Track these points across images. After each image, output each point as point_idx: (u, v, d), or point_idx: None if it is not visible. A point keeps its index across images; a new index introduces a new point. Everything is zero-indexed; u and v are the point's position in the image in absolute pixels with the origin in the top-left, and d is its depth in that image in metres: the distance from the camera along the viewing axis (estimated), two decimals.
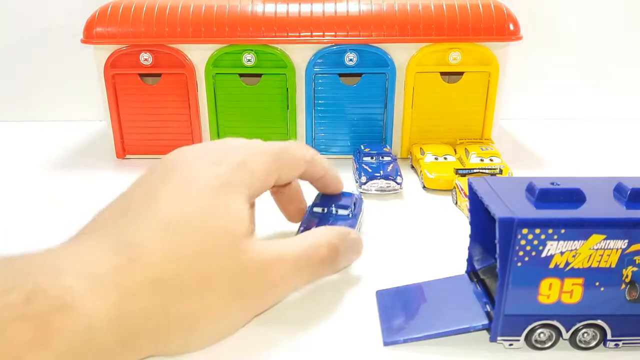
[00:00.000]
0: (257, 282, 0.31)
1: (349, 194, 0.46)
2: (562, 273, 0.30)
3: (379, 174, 0.55)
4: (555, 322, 0.31)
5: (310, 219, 0.43)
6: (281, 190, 0.43)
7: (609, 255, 0.30)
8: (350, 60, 0.61)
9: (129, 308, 0.26)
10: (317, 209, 0.44)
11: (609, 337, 0.32)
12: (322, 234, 0.35)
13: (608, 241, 0.29)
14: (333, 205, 0.44)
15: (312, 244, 0.34)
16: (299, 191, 0.44)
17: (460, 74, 0.62)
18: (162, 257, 0.28)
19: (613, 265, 0.30)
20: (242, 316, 0.32)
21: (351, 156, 0.63)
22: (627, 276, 0.30)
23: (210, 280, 0.29)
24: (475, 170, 0.55)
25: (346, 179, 0.59)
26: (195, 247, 0.29)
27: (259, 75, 0.62)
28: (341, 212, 0.44)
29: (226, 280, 0.29)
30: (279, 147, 0.36)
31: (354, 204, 0.46)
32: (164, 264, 0.28)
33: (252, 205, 0.35)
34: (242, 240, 0.30)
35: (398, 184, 0.55)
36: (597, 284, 0.30)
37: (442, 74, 0.63)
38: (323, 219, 0.43)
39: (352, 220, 0.44)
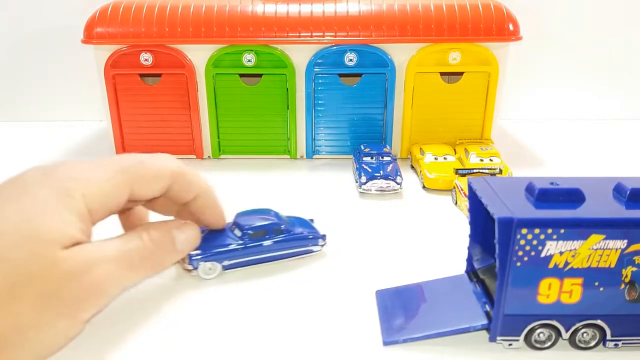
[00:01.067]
0: (74, 286, 0.29)
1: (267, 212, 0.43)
2: (561, 273, 0.30)
3: (379, 174, 0.55)
4: (554, 322, 0.31)
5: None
6: (132, 211, 0.39)
7: (608, 255, 0.30)
8: (350, 60, 0.61)
9: None
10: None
11: (608, 337, 0.32)
12: (141, 228, 0.34)
13: (607, 241, 0.29)
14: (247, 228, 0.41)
15: (130, 239, 0.33)
16: (146, 216, 0.40)
17: (460, 74, 0.63)
18: None
19: (612, 265, 0.30)
20: (65, 324, 0.29)
21: (351, 156, 0.63)
22: (626, 276, 0.30)
23: (17, 288, 0.27)
24: (475, 170, 0.55)
25: (346, 179, 0.60)
26: (6, 254, 0.27)
27: (259, 75, 0.62)
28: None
29: (36, 287, 0.27)
30: (131, 158, 0.34)
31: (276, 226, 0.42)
32: None
33: (95, 219, 0.32)
34: (56, 245, 0.28)
35: (398, 184, 0.55)
36: (596, 284, 0.30)
37: (442, 74, 0.63)
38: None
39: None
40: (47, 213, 0.29)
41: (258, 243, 0.41)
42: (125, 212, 0.39)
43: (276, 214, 0.43)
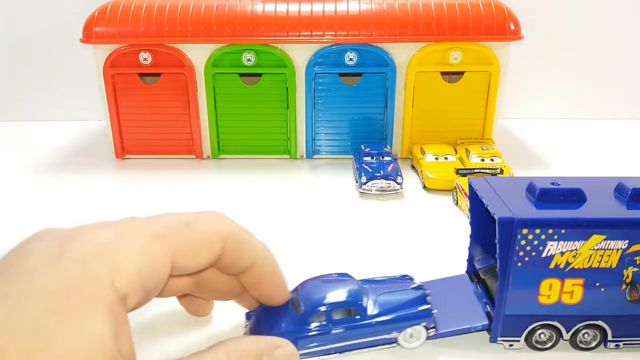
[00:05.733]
0: None
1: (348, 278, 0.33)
2: (562, 273, 0.30)
3: (379, 174, 0.55)
4: (555, 323, 0.31)
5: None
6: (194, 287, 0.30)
7: (609, 256, 0.29)
8: (350, 60, 0.61)
9: None
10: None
11: (609, 337, 0.31)
12: (221, 353, 0.24)
13: (608, 241, 0.29)
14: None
15: None
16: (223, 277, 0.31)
17: (461, 73, 0.62)
18: None
19: (613, 266, 0.30)
20: None
21: (351, 156, 0.63)
22: (627, 277, 0.30)
23: None
24: (475, 170, 0.54)
25: (346, 179, 0.59)
26: None
27: (259, 75, 0.62)
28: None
29: None
30: (169, 219, 0.25)
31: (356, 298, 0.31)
32: None
33: (130, 309, 0.23)
34: None
35: (398, 184, 0.55)
36: (597, 284, 0.30)
37: (443, 73, 0.62)
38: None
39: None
40: (69, 327, 0.20)
41: (339, 328, 0.30)
42: (184, 296, 0.31)
43: (357, 283, 0.32)
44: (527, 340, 0.32)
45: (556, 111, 0.83)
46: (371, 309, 0.31)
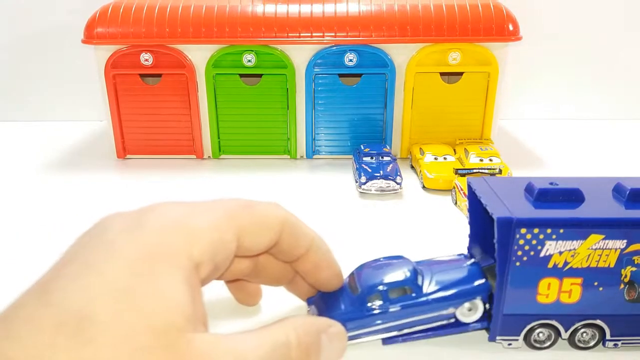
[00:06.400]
0: None
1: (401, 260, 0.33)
2: (560, 273, 0.30)
3: (378, 174, 0.55)
4: (554, 322, 0.31)
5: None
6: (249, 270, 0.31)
7: (607, 255, 0.30)
8: (350, 60, 0.61)
9: None
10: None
11: (607, 337, 0.32)
12: (290, 328, 0.25)
13: (607, 241, 0.29)
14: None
15: (277, 343, 0.24)
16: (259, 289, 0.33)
17: (460, 74, 0.63)
18: None
19: (612, 265, 0.30)
20: None
21: (351, 156, 0.63)
22: (626, 276, 0.30)
23: None
24: (474, 170, 0.55)
25: (346, 179, 0.60)
26: (101, 357, 0.19)
27: (259, 75, 0.62)
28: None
29: None
30: (235, 202, 0.27)
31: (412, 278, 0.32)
32: None
33: (201, 281, 0.24)
34: (181, 337, 0.21)
35: (398, 184, 0.55)
36: (595, 283, 0.30)
37: (442, 74, 0.63)
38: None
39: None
40: (157, 285, 0.22)
41: (397, 306, 0.31)
42: (235, 282, 0.32)
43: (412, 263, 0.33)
44: (526, 339, 0.32)
45: (555, 111, 0.83)
46: (427, 287, 0.32)
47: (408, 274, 0.32)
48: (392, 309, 0.31)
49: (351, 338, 0.31)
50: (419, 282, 0.32)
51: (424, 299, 0.31)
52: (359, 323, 0.31)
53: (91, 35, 0.60)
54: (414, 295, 0.31)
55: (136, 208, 0.26)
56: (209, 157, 0.66)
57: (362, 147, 0.60)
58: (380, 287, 0.31)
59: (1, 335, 0.20)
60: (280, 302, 0.35)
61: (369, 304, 0.31)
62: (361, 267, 0.33)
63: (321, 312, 0.31)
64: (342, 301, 0.31)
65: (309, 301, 0.33)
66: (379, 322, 0.31)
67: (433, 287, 0.32)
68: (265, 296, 0.34)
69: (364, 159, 0.58)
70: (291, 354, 0.24)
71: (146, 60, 0.61)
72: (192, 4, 0.61)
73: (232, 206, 0.26)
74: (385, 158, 0.58)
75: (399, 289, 0.31)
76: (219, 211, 0.25)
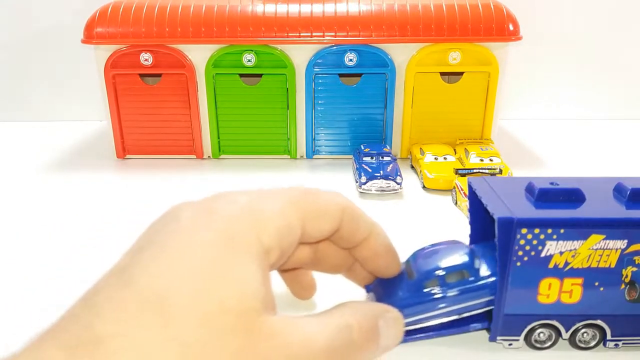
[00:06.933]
0: None
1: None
2: (561, 273, 0.30)
3: (379, 174, 0.55)
4: (554, 322, 0.31)
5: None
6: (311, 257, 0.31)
7: (608, 255, 0.30)
8: (350, 60, 0.61)
9: None
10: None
11: (608, 337, 0.32)
12: (349, 313, 0.26)
13: (607, 241, 0.29)
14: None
15: (340, 326, 0.25)
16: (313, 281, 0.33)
17: (460, 74, 0.63)
18: (133, 357, 0.20)
19: (612, 265, 0.30)
20: None
21: (351, 156, 0.63)
22: (626, 276, 0.30)
23: None
24: (475, 170, 0.55)
25: (346, 179, 0.60)
26: (184, 337, 0.20)
27: (259, 75, 0.62)
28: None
29: None
30: (297, 190, 0.28)
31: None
32: None
33: (269, 267, 0.25)
34: (256, 319, 0.22)
35: (398, 184, 0.55)
36: (596, 284, 0.30)
37: (442, 74, 0.63)
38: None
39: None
40: (233, 269, 0.22)
41: (454, 291, 0.31)
42: (289, 272, 0.32)
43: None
44: (527, 339, 0.32)
45: (555, 111, 0.83)
46: (484, 271, 0.31)
47: (465, 258, 0.31)
48: (450, 293, 0.31)
49: (409, 324, 0.31)
50: (476, 265, 0.31)
51: (482, 282, 0.31)
52: (417, 309, 0.31)
53: (91, 35, 0.60)
54: (471, 279, 0.31)
55: (202, 198, 0.26)
56: (209, 157, 0.66)
57: (362, 147, 0.60)
58: (438, 272, 0.31)
59: (87, 313, 0.20)
60: (334, 294, 0.34)
61: (427, 289, 0.31)
62: (417, 253, 0.33)
63: (379, 299, 0.31)
64: (400, 287, 0.31)
65: (367, 288, 0.33)
66: (437, 307, 0.31)
67: (490, 271, 0.31)
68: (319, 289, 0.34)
69: (364, 159, 0.58)
70: (353, 337, 0.25)
71: (146, 60, 0.61)
72: (192, 4, 0.61)
73: (296, 193, 0.27)
74: (386, 158, 0.58)
75: (456, 273, 0.31)
76: (284, 198, 0.26)
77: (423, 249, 0.33)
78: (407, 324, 0.31)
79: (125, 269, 0.22)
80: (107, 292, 0.21)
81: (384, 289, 0.32)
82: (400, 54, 0.61)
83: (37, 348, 0.20)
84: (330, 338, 0.24)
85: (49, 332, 0.21)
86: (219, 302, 0.21)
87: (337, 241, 0.29)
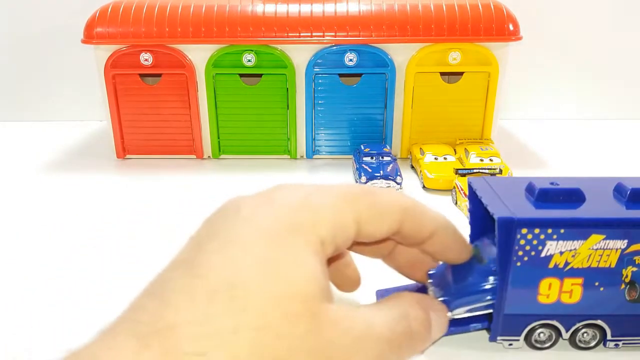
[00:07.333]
0: None
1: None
2: (561, 273, 0.30)
3: (379, 174, 0.55)
4: (554, 322, 0.31)
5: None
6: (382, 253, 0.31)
7: (608, 255, 0.30)
8: (350, 60, 0.61)
9: None
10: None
11: (608, 337, 0.32)
12: (406, 304, 0.27)
13: (607, 241, 0.29)
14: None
15: (399, 315, 0.26)
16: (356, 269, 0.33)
17: (460, 74, 0.63)
18: (207, 343, 0.20)
19: (613, 265, 0.30)
20: None
21: (351, 156, 0.63)
22: (626, 276, 0.30)
23: None
24: (475, 170, 0.55)
25: (346, 179, 0.60)
26: (255, 322, 0.21)
27: (259, 75, 0.62)
28: None
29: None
30: (356, 187, 0.27)
31: None
32: (206, 355, 0.20)
33: (325, 259, 0.25)
34: (320, 305, 0.22)
35: (398, 184, 0.55)
36: (596, 284, 0.30)
37: (442, 74, 0.63)
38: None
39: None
40: (296, 257, 0.23)
41: None
42: (333, 264, 0.32)
43: None
44: (527, 339, 0.32)
45: (555, 111, 0.83)
46: None
47: None
48: None
49: (475, 310, 0.31)
50: None
51: None
52: (488, 294, 0.31)
53: (91, 35, 0.60)
54: None
55: (260, 191, 0.27)
56: (209, 157, 0.66)
57: (362, 147, 0.60)
58: None
59: (156, 304, 0.21)
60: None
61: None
62: (484, 238, 0.33)
63: (445, 285, 0.31)
64: (471, 273, 0.31)
65: (430, 275, 0.32)
66: None
67: None
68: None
69: (364, 159, 0.58)
70: (411, 325, 0.26)
71: (146, 60, 0.61)
72: (192, 4, 0.61)
73: (353, 191, 0.27)
74: (386, 158, 0.58)
75: None
76: (339, 195, 0.26)
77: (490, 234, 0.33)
78: (472, 310, 0.31)
79: (190, 261, 0.23)
80: (175, 283, 0.22)
81: (453, 274, 0.31)
82: (400, 54, 0.61)
83: (111, 337, 0.20)
84: (391, 326, 0.25)
85: (118, 323, 0.21)
86: (285, 288, 0.22)
87: (401, 240, 0.29)
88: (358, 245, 0.30)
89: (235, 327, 0.20)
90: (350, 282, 0.33)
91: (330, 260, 0.31)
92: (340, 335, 0.22)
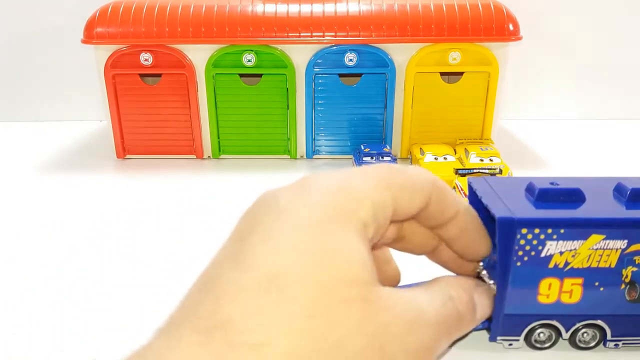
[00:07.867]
0: (405, 348, 0.22)
1: None
2: (561, 273, 0.30)
3: None
4: (554, 322, 0.31)
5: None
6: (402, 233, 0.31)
7: (608, 255, 0.30)
8: (350, 60, 0.61)
9: None
10: None
11: (608, 337, 0.32)
12: (450, 286, 0.27)
13: (607, 241, 0.29)
14: None
15: (445, 297, 0.26)
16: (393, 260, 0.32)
17: (460, 74, 0.63)
18: (267, 332, 0.20)
19: (613, 265, 0.30)
20: None
21: (351, 156, 0.63)
22: (626, 276, 0.30)
23: (347, 353, 0.21)
24: (475, 170, 0.55)
25: None
26: (308, 310, 0.20)
27: (259, 75, 0.62)
28: None
29: (371, 349, 0.21)
30: (387, 167, 0.27)
31: None
32: (270, 344, 0.20)
33: (369, 241, 0.25)
34: (371, 288, 0.22)
35: None
36: (596, 284, 0.30)
37: (442, 74, 0.63)
38: None
39: None
40: (342, 243, 0.23)
41: None
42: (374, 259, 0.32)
43: None
44: (527, 339, 0.32)
45: (555, 111, 0.83)
46: None
47: None
48: None
49: None
50: None
51: None
52: None
53: (91, 35, 0.60)
54: None
55: (291, 183, 0.26)
56: (209, 157, 0.66)
57: (362, 147, 0.60)
58: None
59: (210, 299, 0.21)
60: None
61: None
62: None
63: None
64: None
65: (484, 262, 0.32)
66: None
67: None
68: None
69: (364, 159, 0.58)
70: (458, 308, 0.26)
71: (146, 60, 0.61)
72: (192, 4, 0.61)
73: (385, 170, 0.27)
74: (386, 158, 0.58)
75: None
76: (374, 176, 0.26)
77: None
78: None
79: (237, 255, 0.23)
80: (225, 278, 0.22)
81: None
82: (400, 54, 0.61)
83: (174, 332, 0.21)
84: (439, 308, 0.25)
85: (177, 318, 0.21)
86: (333, 274, 0.21)
87: (424, 220, 0.29)
88: (402, 242, 0.31)
89: (289, 316, 0.20)
90: (390, 280, 0.33)
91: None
92: (394, 320, 0.22)
